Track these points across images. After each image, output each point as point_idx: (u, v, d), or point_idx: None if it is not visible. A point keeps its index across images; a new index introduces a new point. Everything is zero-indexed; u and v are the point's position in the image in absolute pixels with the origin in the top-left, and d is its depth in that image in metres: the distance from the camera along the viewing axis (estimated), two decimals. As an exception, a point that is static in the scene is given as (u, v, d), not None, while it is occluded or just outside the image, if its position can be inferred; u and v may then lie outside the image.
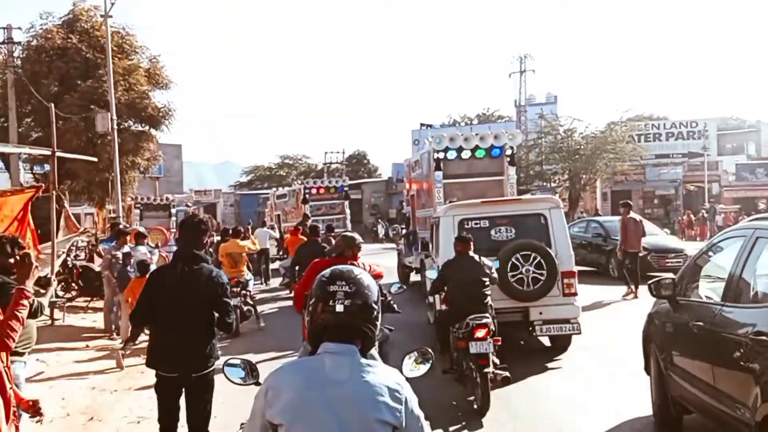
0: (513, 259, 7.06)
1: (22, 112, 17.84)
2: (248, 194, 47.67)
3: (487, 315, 5.85)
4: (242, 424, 2.25)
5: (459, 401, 5.98)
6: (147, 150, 18.90)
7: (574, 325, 7.19)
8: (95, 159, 14.60)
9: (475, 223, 7.46)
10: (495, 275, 6.49)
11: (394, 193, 44.32)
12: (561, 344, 7.64)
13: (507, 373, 5.63)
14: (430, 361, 2.43)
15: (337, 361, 1.84)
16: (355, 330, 1.88)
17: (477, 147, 11.04)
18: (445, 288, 6.44)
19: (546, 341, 7.92)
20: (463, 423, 5.47)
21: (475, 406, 5.64)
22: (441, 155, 10.91)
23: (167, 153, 47.45)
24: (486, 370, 5.51)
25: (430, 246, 9.27)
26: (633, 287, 11.36)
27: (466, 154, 11.03)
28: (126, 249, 9.71)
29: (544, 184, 35.78)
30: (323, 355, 1.86)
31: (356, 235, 5.09)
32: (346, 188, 19.88)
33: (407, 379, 2.03)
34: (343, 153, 53.79)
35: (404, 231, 14.34)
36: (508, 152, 11.05)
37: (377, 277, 4.90)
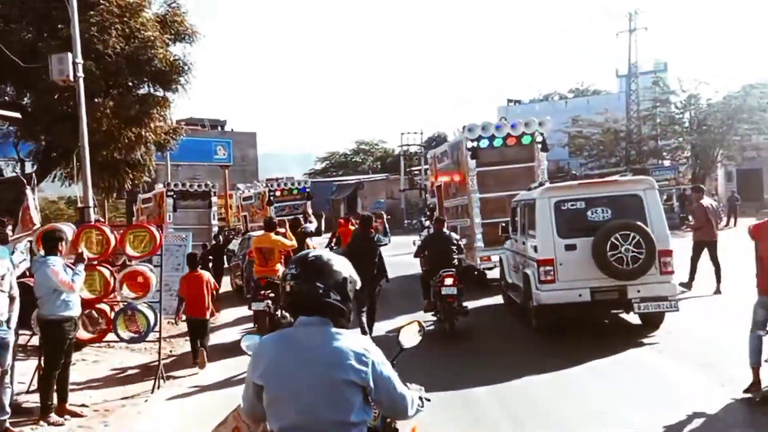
0: (612, 239, 8.42)
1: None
2: (320, 182, 49.75)
3: (453, 269, 9.60)
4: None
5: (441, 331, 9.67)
6: (160, 119, 15.87)
7: (672, 303, 8.52)
8: (17, 115, 12.53)
9: (572, 204, 8.88)
10: (462, 245, 10.47)
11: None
12: (654, 322, 9.00)
13: (467, 308, 9.69)
14: (423, 332, 3.21)
15: (310, 331, 2.47)
16: (317, 306, 2.48)
17: (509, 135, 12.99)
18: (426, 253, 10.54)
19: (636, 320, 9.22)
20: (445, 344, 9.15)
21: (447, 329, 9.50)
22: (474, 144, 12.79)
23: (242, 141, 50.62)
24: (453, 305, 9.35)
25: (510, 229, 11.01)
26: (717, 282, 11.45)
27: (498, 143, 12.95)
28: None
29: (660, 162, 35.37)
30: (297, 326, 2.52)
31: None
32: (308, 189, 23.67)
33: (404, 349, 3.03)
34: (421, 134, 54.59)
35: (428, 222, 16.41)
36: (539, 139, 12.83)
37: None
